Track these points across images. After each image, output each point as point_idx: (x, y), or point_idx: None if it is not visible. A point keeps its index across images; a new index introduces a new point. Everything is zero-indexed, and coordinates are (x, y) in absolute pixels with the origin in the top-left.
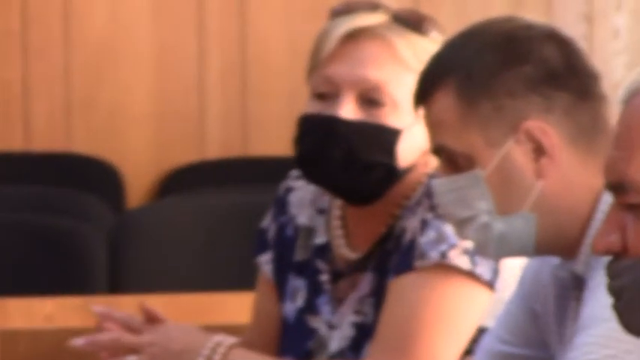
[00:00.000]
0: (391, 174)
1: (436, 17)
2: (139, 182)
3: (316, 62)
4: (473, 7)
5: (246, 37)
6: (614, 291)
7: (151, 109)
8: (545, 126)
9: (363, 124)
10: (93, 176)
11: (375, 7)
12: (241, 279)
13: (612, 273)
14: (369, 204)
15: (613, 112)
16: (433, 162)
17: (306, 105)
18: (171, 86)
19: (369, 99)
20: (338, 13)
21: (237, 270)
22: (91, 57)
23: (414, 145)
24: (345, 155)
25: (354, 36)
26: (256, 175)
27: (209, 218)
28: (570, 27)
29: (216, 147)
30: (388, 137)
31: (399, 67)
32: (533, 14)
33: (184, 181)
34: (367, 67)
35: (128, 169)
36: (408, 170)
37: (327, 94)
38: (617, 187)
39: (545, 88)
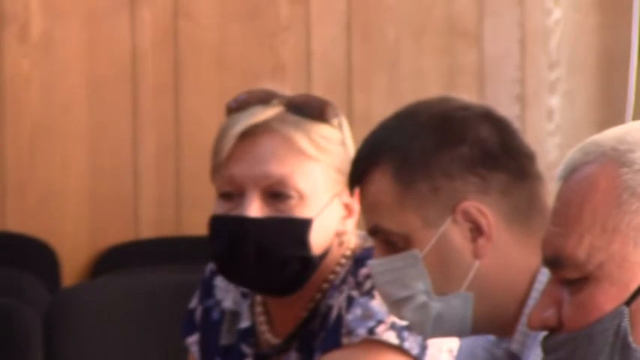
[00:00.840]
0: (307, 265)
1: (368, 98)
2: (74, 261)
3: (217, 162)
4: (406, 87)
5: (180, 117)
6: None
7: (85, 188)
8: (482, 206)
9: (271, 219)
10: (28, 255)
11: (268, 99)
12: (176, 357)
13: (547, 348)
14: (290, 295)
15: (548, 191)
16: (349, 241)
17: (214, 205)
18: (106, 166)
19: (274, 193)
20: (233, 109)
21: (172, 349)
22: (26, 136)
23: (326, 231)
24: (258, 254)
25: (251, 133)
26: (189, 254)
27: (144, 296)
28: (503, 108)
29: (150, 226)
30: (299, 229)
31: (299, 159)
32: (465, 95)
33: (119, 260)
34: (268, 163)
35: (63, 248)
36: (324, 256)
37: (232, 194)
38: (554, 262)
39: (482, 168)
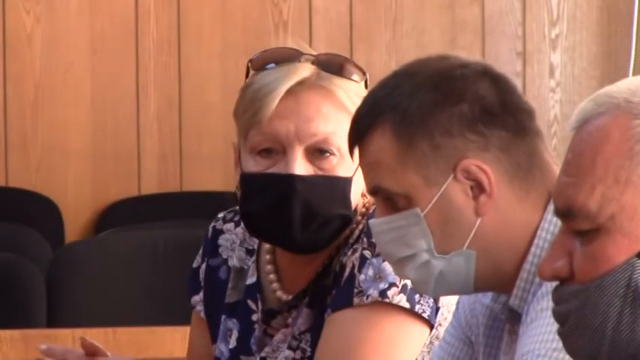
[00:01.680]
0: (347, 223)
1: (370, 58)
2: (77, 217)
3: (254, 120)
4: (407, 44)
5: (182, 74)
6: (560, 316)
7: (88, 145)
8: (483, 164)
9: (318, 178)
10: (31, 211)
11: (297, 57)
12: (179, 312)
13: (558, 298)
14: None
15: (547, 146)
16: (367, 201)
17: (245, 163)
18: (109, 122)
19: (318, 151)
20: (260, 66)
21: (174, 304)
22: (28, 93)
23: (358, 189)
24: (306, 212)
25: (293, 90)
26: (191, 210)
27: (145, 252)
28: (505, 64)
29: (152, 182)
30: (342, 187)
31: (341, 116)
32: (467, 51)
33: (121, 215)
34: (314, 122)
35: (66, 204)
36: (356, 214)
37: (272, 150)
38: (566, 213)
39: (482, 126)
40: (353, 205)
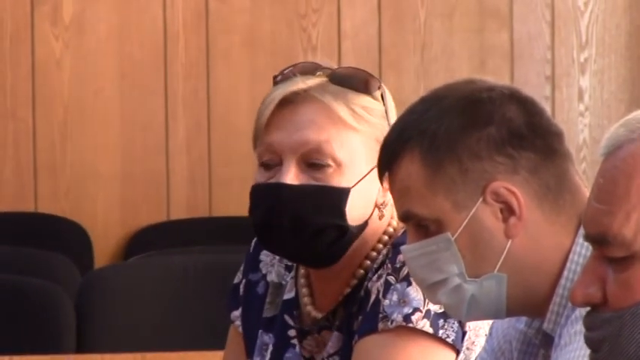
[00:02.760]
0: (344, 234)
1: (399, 82)
2: (106, 242)
3: (258, 131)
4: (436, 68)
5: (211, 98)
6: (593, 343)
7: (117, 169)
8: (512, 186)
9: (307, 187)
10: (60, 236)
11: (314, 70)
12: (208, 338)
13: (590, 324)
14: (329, 266)
15: (577, 169)
16: (388, 214)
17: (255, 175)
18: (138, 147)
19: (312, 162)
20: (279, 80)
21: (203, 329)
22: (58, 118)
23: (365, 201)
24: (293, 221)
25: (290, 100)
26: (221, 235)
27: (175, 278)
28: (534, 88)
29: (181, 208)
30: (335, 197)
31: (337, 127)
32: (496, 76)
33: (150, 241)
34: (305, 130)
35: (95, 229)
36: (364, 227)
37: (271, 162)
38: (599, 240)
39: (510, 148)
40: (358, 217)
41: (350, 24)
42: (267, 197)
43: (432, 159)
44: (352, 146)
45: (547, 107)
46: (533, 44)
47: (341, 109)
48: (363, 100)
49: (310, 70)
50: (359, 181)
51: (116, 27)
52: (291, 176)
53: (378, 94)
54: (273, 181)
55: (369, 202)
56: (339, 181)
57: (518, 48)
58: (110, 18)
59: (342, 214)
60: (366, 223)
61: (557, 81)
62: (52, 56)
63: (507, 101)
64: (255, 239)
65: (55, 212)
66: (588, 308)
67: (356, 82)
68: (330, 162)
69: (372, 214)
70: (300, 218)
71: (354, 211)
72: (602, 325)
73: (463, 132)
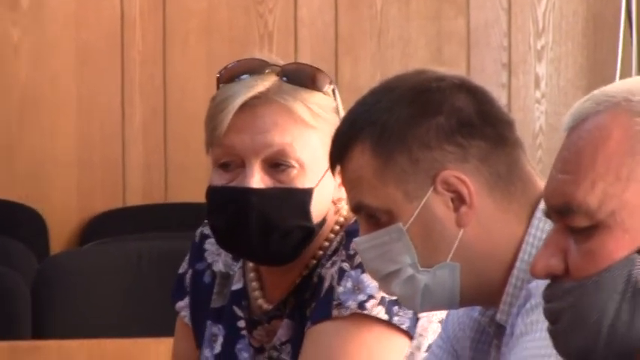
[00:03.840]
0: (309, 234)
1: (356, 69)
2: (62, 228)
3: (215, 134)
4: (392, 55)
5: (168, 85)
6: (552, 314)
7: (73, 156)
8: (462, 175)
9: (274, 190)
10: (16, 222)
11: (262, 68)
12: (163, 324)
13: (550, 296)
14: (287, 264)
15: (528, 157)
16: (343, 208)
17: (211, 176)
18: (94, 134)
19: (275, 164)
20: (227, 79)
21: (159, 315)
22: (15, 104)
23: (324, 199)
24: (262, 225)
25: (250, 104)
26: (176, 221)
27: (130, 264)
28: (490, 75)
29: (137, 194)
30: (301, 199)
31: (299, 128)
32: (452, 63)
33: (107, 227)
34: (269, 133)
35: (51, 215)
36: (323, 224)
37: (231, 164)
38: (562, 209)
39: (460, 137)
40: (319, 215)
41: (306, 10)
42: (233, 201)
43: (382, 150)
44: (313, 146)
45: (503, 94)
46: (490, 31)
47: (300, 110)
48: (318, 97)
49: (258, 68)
50: (320, 179)
51: (74, 13)
52: (257, 180)
53: (329, 89)
54: (235, 184)
55: (327, 199)
56: (302, 182)
57: (474, 35)
58: (68, 4)
59: (308, 215)
60: (324, 220)
61: (513, 68)
62: (10, 42)
63: (457, 91)
64: (200, 229)
65: (11, 198)
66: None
67: (307, 79)
68: (294, 164)
69: (328, 210)
70: (269, 221)
71: (316, 210)
72: (562, 296)
73: (413, 122)
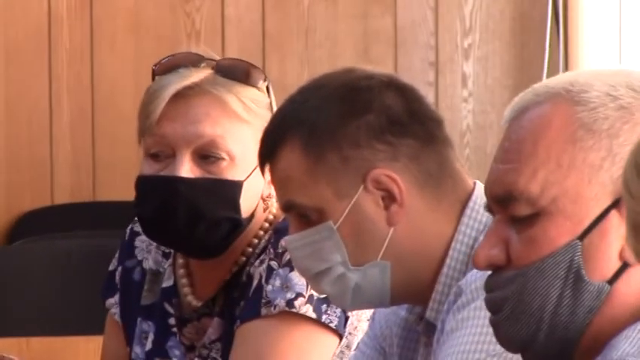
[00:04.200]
0: (237, 227)
1: (283, 67)
2: None
3: (147, 123)
4: (320, 54)
5: (95, 83)
6: (495, 304)
7: (2, 154)
8: (392, 173)
9: (203, 180)
10: None
11: (198, 61)
12: (92, 323)
13: (493, 285)
14: (214, 258)
15: (457, 155)
16: (272, 205)
17: (141, 166)
18: (22, 132)
19: (206, 155)
20: (162, 71)
21: (88, 313)
22: None
23: (253, 194)
24: (191, 215)
25: (183, 94)
26: (105, 219)
27: (59, 262)
28: (417, 74)
29: (65, 192)
30: (230, 191)
31: (231, 121)
32: (380, 62)
33: (35, 225)
34: (200, 124)
35: None
36: (251, 219)
37: (162, 154)
38: (504, 198)
39: (390, 135)
40: (248, 209)
41: (234, 9)
42: (161, 190)
43: (312, 148)
44: (244, 139)
45: (431, 93)
46: (417, 30)
47: (234, 103)
48: (251, 92)
49: (193, 61)
50: (250, 173)
51: (0, 11)
52: (186, 169)
53: (263, 85)
54: (165, 173)
55: (256, 194)
56: (232, 174)
57: (401, 34)
58: None
59: (236, 207)
60: (252, 215)
61: (440, 67)
62: None
63: (386, 89)
64: (130, 226)
65: None
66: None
67: (242, 73)
68: (224, 155)
69: (257, 205)
70: (196, 211)
71: (245, 204)
72: (504, 284)
73: (342, 120)
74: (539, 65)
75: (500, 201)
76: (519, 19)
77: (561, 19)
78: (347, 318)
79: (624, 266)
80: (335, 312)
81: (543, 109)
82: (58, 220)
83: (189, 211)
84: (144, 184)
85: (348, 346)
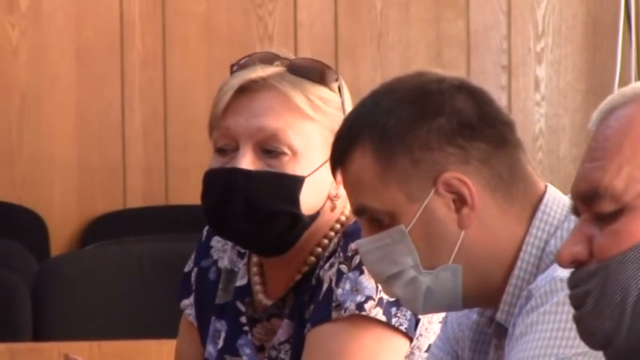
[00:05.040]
0: (297, 222)
1: (356, 72)
2: (62, 230)
3: (214, 116)
4: (393, 58)
5: (168, 87)
6: (578, 298)
7: (74, 158)
8: (463, 176)
9: (262, 173)
10: (17, 224)
11: (272, 60)
12: (164, 326)
13: (576, 281)
14: (279, 255)
15: (529, 158)
16: (341, 205)
17: (211, 160)
18: (94, 136)
19: (268, 148)
20: (237, 68)
21: (160, 317)
22: (14, 106)
23: (319, 192)
24: (246, 206)
25: (248, 88)
26: (177, 223)
27: (131, 266)
28: (490, 78)
29: (138, 196)
30: (290, 185)
31: (294, 116)
32: (452, 66)
33: (107, 229)
34: (263, 117)
35: (52, 217)
36: (316, 217)
37: (227, 148)
38: (589, 195)
39: (461, 139)
40: (311, 207)
41: (306, 13)
42: (222, 181)
43: (383, 151)
44: (308, 135)
45: (503, 97)
46: (490, 34)
47: (298, 98)
48: (320, 90)
49: (268, 59)
50: (314, 170)
51: (73, 15)
52: (247, 161)
53: (335, 85)
54: (228, 165)
55: (322, 192)
56: (293, 169)
57: (474, 38)
58: (67, 6)
59: (296, 202)
60: (318, 214)
61: (513, 70)
62: (9, 44)
63: (457, 92)
64: (206, 227)
65: (11, 200)
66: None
67: (313, 72)
68: (286, 150)
69: (324, 204)
70: (254, 203)
71: (308, 201)
72: (587, 279)
73: (413, 123)
74: (611, 69)
75: (586, 198)
76: (592, 23)
77: (633, 22)
78: (418, 320)
79: None
80: (405, 315)
81: (630, 109)
82: (131, 223)
83: (245, 203)
84: (209, 177)
85: (418, 348)
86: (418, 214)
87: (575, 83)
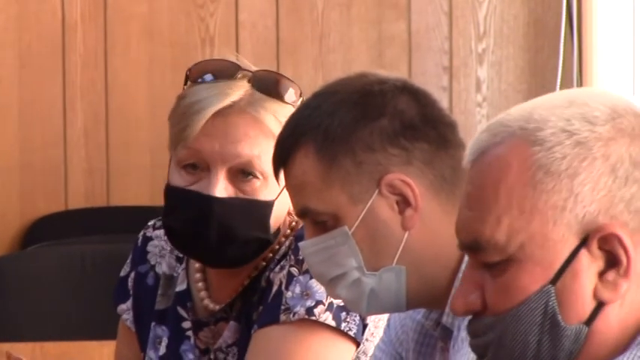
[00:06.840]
0: (265, 245)
1: (297, 73)
2: (3, 232)
3: (182, 135)
4: (334, 59)
5: (109, 89)
6: (479, 349)
7: (15, 159)
8: (406, 177)
9: (236, 201)
10: None
11: (232, 73)
12: (107, 327)
13: (474, 331)
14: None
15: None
16: (296, 219)
17: (171, 175)
18: (36, 137)
19: (241, 172)
20: (196, 77)
21: (102, 318)
22: None
23: (282, 210)
24: (223, 234)
25: (222, 112)
26: (119, 224)
27: (73, 267)
28: (431, 79)
29: (79, 197)
30: (261, 212)
31: (268, 141)
32: (394, 67)
33: (49, 230)
34: (238, 144)
35: None
36: (278, 233)
37: (196, 166)
38: (473, 246)
39: (403, 140)
40: (275, 226)
41: (247, 14)
42: (195, 206)
43: (326, 153)
44: None
45: (445, 98)
46: (431, 35)
47: (271, 123)
48: (287, 110)
49: (228, 71)
50: (280, 192)
51: (15, 17)
52: (221, 188)
53: (297, 102)
54: (197, 188)
55: (285, 210)
56: (264, 193)
57: (415, 38)
58: (9, 8)
59: (266, 228)
60: (279, 230)
61: (454, 71)
62: None
63: (399, 93)
64: (142, 232)
65: None
66: None
67: (280, 90)
68: (259, 175)
69: (285, 219)
70: (228, 230)
71: (274, 221)
72: (485, 331)
73: (356, 125)
74: (553, 70)
75: (470, 248)
76: (533, 25)
77: (575, 24)
78: (365, 325)
79: (599, 305)
80: (354, 320)
81: (500, 152)
82: (72, 225)
83: (221, 231)
84: (176, 196)
85: (364, 352)
86: (361, 216)
87: (517, 84)
